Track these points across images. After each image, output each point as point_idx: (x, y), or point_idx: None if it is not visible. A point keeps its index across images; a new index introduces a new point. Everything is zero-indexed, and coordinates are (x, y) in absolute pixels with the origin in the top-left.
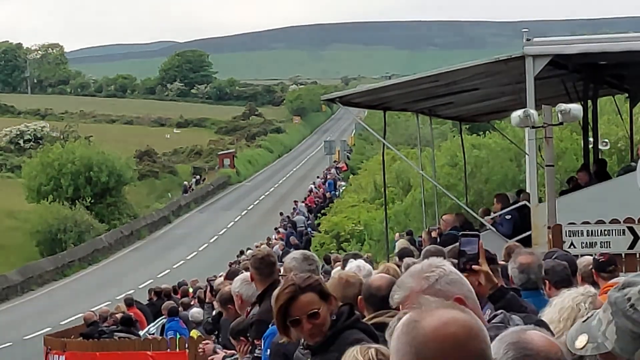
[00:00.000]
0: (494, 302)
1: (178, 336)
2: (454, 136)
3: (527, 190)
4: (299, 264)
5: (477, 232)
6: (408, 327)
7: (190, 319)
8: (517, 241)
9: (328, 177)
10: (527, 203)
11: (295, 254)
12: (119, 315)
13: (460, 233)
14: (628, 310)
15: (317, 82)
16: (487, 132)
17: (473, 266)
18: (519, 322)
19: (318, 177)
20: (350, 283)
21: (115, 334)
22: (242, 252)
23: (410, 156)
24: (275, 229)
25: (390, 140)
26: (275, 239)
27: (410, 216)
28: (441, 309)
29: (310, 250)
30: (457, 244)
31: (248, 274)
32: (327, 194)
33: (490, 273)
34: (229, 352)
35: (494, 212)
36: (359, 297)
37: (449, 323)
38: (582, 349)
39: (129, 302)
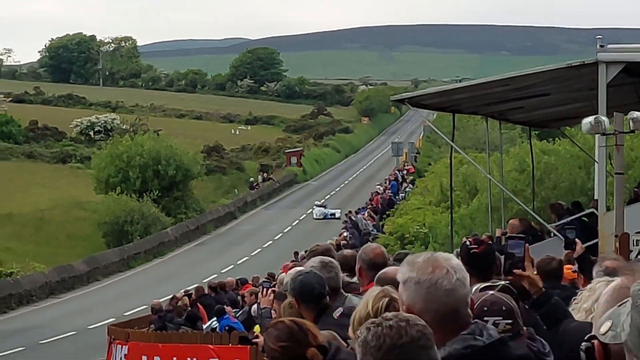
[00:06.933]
0: (538, 307)
1: None
2: (523, 142)
3: (595, 198)
4: (318, 271)
5: (523, 236)
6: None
7: (253, 314)
8: None
9: (392, 178)
10: (595, 211)
11: (313, 261)
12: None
13: (508, 235)
14: (639, 305)
15: (386, 84)
16: (557, 138)
17: (516, 271)
18: (492, 332)
19: (386, 179)
20: None
21: (182, 327)
22: (296, 254)
23: (478, 160)
24: (342, 228)
25: (458, 144)
26: (340, 237)
27: (476, 220)
28: None
29: None
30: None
31: (298, 268)
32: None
33: (534, 277)
34: None
35: (552, 223)
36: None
37: None
38: (604, 334)
39: (191, 296)
